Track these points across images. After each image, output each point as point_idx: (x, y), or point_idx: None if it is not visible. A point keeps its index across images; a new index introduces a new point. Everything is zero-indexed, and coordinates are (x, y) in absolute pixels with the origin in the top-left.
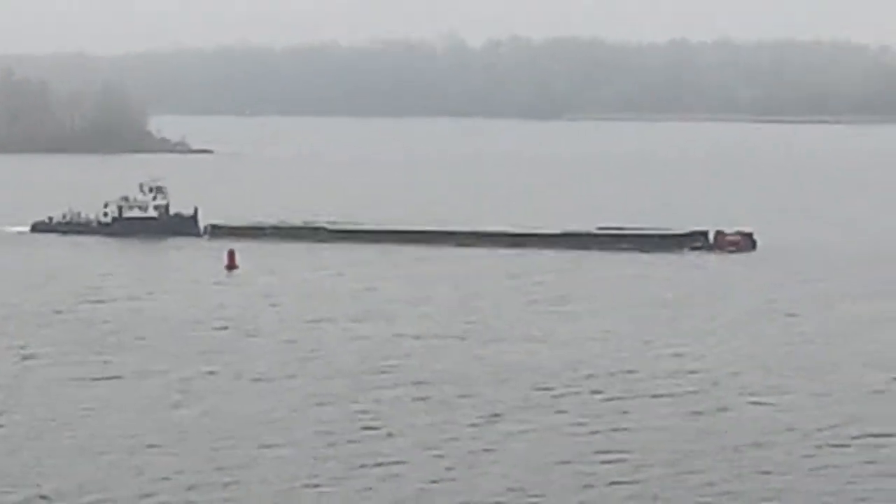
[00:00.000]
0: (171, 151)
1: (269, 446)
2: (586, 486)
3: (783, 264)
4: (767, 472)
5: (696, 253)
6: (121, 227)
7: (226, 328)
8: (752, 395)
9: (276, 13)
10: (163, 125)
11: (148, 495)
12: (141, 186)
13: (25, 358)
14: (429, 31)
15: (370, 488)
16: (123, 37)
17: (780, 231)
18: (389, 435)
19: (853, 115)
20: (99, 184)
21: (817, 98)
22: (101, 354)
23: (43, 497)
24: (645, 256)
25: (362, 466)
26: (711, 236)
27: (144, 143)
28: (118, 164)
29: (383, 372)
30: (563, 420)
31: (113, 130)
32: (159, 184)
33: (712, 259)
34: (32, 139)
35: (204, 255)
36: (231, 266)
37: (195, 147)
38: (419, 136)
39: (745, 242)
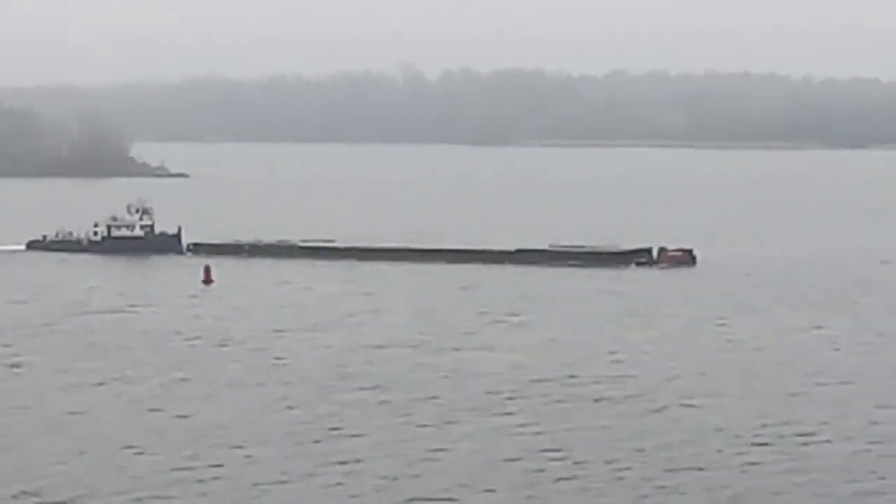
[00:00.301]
0: (152, 175)
1: (240, 447)
2: (533, 483)
3: (720, 278)
4: (700, 469)
5: (642, 268)
6: (110, 245)
7: (200, 338)
8: (685, 398)
9: (247, 46)
10: (143, 151)
11: (126, 492)
12: (129, 208)
13: (15, 365)
14: (388, 64)
15: (337, 484)
16: (105, 69)
17: (717, 248)
18: (352, 436)
19: (774, 142)
20: (85, 206)
21: (741, 125)
22: (85, 362)
23: (30, 493)
24: (593, 272)
25: (327, 464)
26: (655, 253)
27: (127, 168)
28: (102, 187)
29: (345, 378)
30: (510, 421)
31: (97, 156)
32: (146, 205)
33: (655, 273)
34: (20, 164)
35: (184, 272)
36: (207, 280)
37: (173, 171)
38: (378, 160)
39: (686, 258)
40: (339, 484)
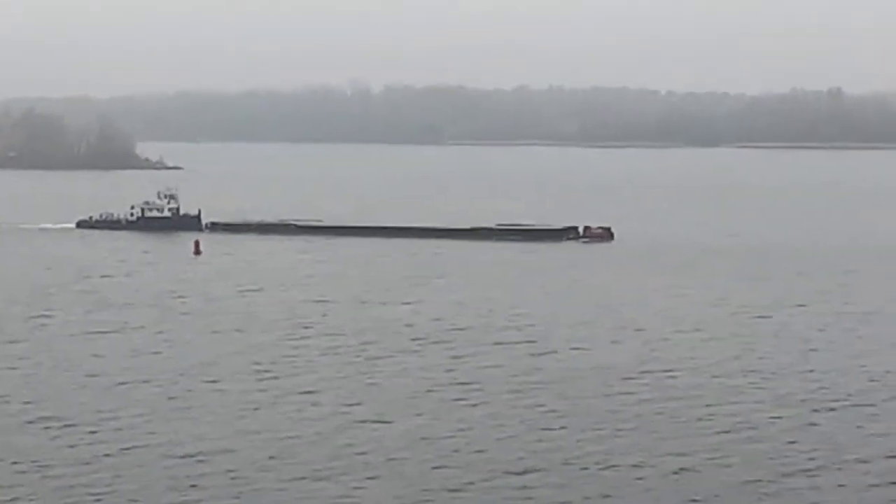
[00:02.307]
0: (153, 168)
1: (215, 381)
2: (450, 409)
3: (633, 251)
4: (581, 397)
5: (570, 242)
6: (143, 224)
7: (187, 296)
8: (570, 342)
9: (228, 65)
10: (145, 149)
11: (120, 416)
12: (158, 194)
13: (41, 316)
14: (341, 79)
15: (297, 411)
16: (115, 83)
17: (628, 227)
18: (305, 372)
19: (647, 141)
20: (106, 192)
21: (623, 129)
22: (100, 313)
23: (48, 417)
24: (532, 245)
25: (287, 394)
26: (581, 230)
27: (133, 162)
28: (113, 178)
29: (299, 326)
30: (427, 361)
31: (108, 153)
32: (172, 192)
33: (579, 246)
34: (48, 159)
35: (180, 245)
36: (197, 252)
37: (169, 165)
38: (335, 156)
39: (606, 234)
40: (297, 411)
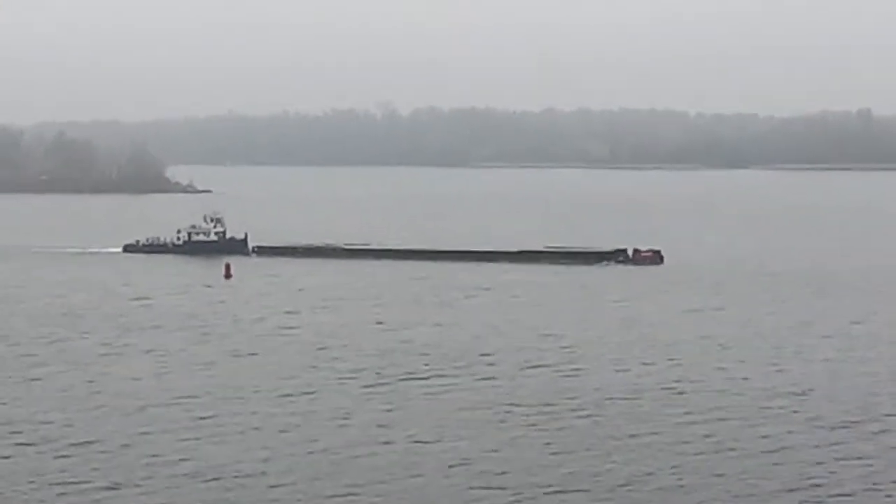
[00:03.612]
0: (183, 192)
1: (243, 402)
2: (493, 428)
3: (685, 274)
4: (597, 416)
5: (620, 265)
6: (190, 248)
7: (216, 319)
8: (603, 361)
9: (257, 89)
10: (175, 172)
11: (149, 438)
12: (205, 217)
13: (79, 338)
14: (369, 103)
15: (325, 433)
16: (145, 107)
17: (675, 250)
18: (336, 394)
19: (675, 164)
20: (142, 216)
21: (651, 150)
22: (129, 336)
23: (78, 439)
24: (581, 268)
25: (315, 416)
26: (630, 253)
27: (163, 186)
28: (144, 201)
29: (333, 348)
30: (458, 383)
31: (139, 176)
32: (219, 216)
33: (631, 269)
34: (80, 183)
35: (214, 269)
36: (227, 276)
37: (199, 188)
38: (363, 179)
39: (656, 257)
40: (325, 433)
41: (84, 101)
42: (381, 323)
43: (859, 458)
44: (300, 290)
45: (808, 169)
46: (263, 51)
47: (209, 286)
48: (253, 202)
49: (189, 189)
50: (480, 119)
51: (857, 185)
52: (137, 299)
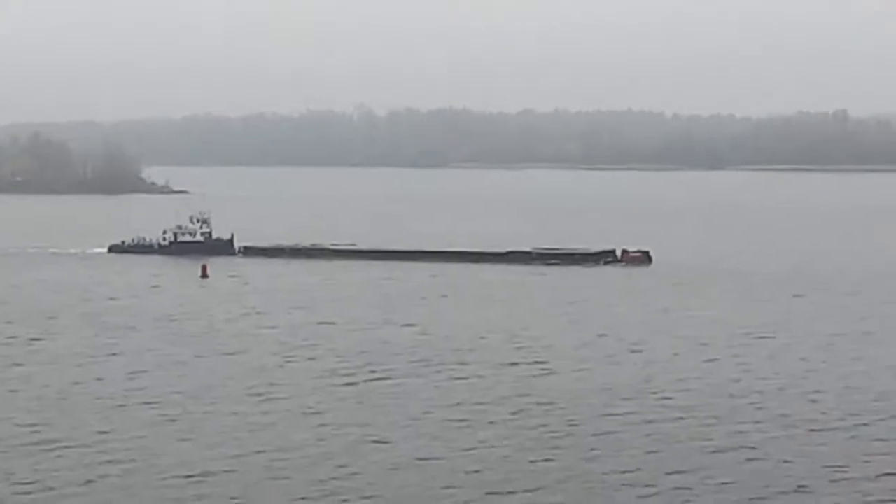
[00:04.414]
0: (159, 192)
1: (214, 402)
2: (449, 431)
3: (672, 275)
4: (585, 418)
5: (609, 266)
6: (176, 248)
7: (190, 319)
8: (580, 361)
9: (232, 89)
10: (151, 173)
11: (120, 437)
12: (191, 218)
13: (50, 339)
14: (346, 103)
15: (296, 432)
16: (120, 108)
17: (663, 250)
18: (308, 393)
19: (651, 164)
20: (121, 217)
21: (627, 151)
22: (101, 336)
23: (48, 438)
24: (569, 269)
25: (286, 415)
26: (619, 253)
27: (139, 186)
28: (120, 202)
29: (306, 348)
30: (435, 382)
31: (114, 177)
32: (205, 216)
33: (619, 270)
34: (54, 183)
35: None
36: (204, 276)
37: (175, 189)
38: (341, 180)
39: (644, 258)
40: (296, 432)
41: (60, 102)
42: (355, 322)
43: (830, 457)
44: (275, 290)
45: (784, 170)
46: (240, 52)
47: (185, 286)
48: (231, 203)
49: (165, 190)
50: (457, 120)
51: (833, 187)
52: (112, 299)
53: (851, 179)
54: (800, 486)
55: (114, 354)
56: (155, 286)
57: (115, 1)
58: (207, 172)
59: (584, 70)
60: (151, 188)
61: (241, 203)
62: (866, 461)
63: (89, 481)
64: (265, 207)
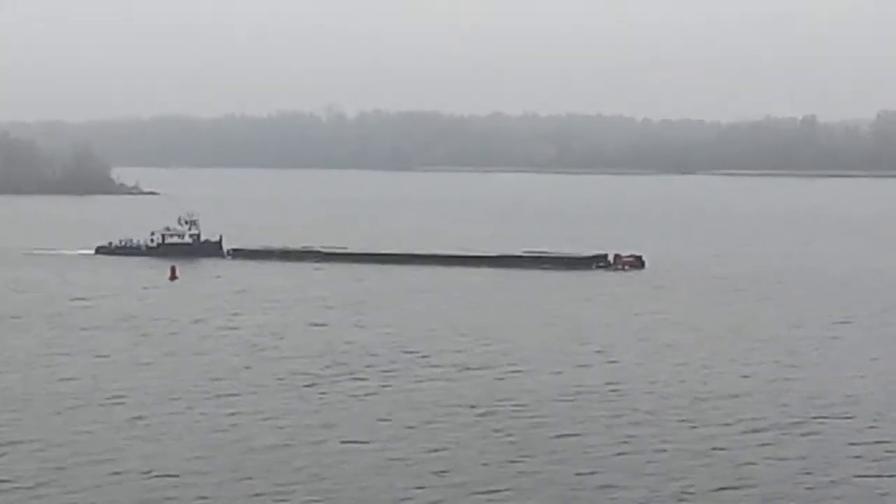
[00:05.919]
0: (129, 193)
1: (178, 402)
2: (433, 429)
3: (664, 279)
4: (557, 421)
5: (601, 270)
6: (164, 250)
7: (156, 320)
8: (552, 363)
9: (203, 90)
10: (121, 174)
11: (85, 436)
12: (179, 220)
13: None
14: (316, 105)
15: (260, 433)
16: (90, 108)
17: (660, 256)
18: (273, 394)
19: (623, 168)
20: (95, 218)
21: (598, 155)
22: (67, 337)
23: (13, 438)
24: (563, 273)
25: (250, 416)
26: (612, 258)
27: (108, 187)
28: (89, 203)
29: (260, 350)
30: (401, 383)
31: (83, 178)
32: (194, 218)
33: (612, 275)
34: (21, 184)
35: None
36: (173, 277)
37: (145, 190)
38: (311, 182)
39: (637, 262)
40: (260, 432)
41: (28, 102)
42: (323, 324)
43: (794, 459)
44: (249, 291)
45: (754, 175)
46: (209, 52)
47: (154, 287)
48: (203, 204)
49: (135, 191)
50: (427, 122)
51: (801, 191)
52: (78, 300)
53: (819, 184)
54: (765, 490)
55: (78, 353)
56: (124, 287)
57: (84, 1)
58: (177, 174)
59: (554, 74)
60: (121, 189)
61: (214, 204)
62: (833, 464)
63: (54, 481)
64: (237, 209)
